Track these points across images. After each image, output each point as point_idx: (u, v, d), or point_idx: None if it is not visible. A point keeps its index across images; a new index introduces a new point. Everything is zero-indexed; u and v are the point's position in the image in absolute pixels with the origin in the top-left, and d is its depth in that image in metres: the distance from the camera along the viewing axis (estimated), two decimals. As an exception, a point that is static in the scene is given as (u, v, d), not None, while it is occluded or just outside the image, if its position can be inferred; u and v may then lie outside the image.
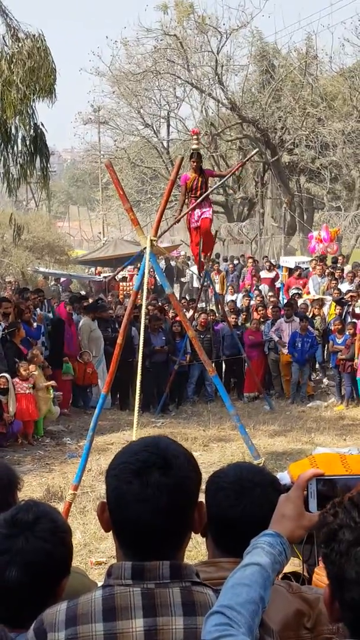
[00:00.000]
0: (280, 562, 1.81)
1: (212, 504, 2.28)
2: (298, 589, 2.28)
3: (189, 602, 1.80)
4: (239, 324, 16.29)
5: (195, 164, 11.94)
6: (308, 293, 19.42)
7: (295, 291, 19.52)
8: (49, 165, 15.01)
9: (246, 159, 16.71)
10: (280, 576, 1.96)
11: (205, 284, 15.59)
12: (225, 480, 2.30)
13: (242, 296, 20.62)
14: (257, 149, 18.73)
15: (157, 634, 1.76)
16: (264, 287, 21.94)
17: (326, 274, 20.00)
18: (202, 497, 2.05)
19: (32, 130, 14.19)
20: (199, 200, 11.77)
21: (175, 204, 29.07)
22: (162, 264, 26.35)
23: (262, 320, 16.24)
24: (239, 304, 19.29)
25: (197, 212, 12.06)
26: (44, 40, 13.35)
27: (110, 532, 1.92)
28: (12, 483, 2.74)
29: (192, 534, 1.95)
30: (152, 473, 1.83)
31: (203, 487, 2.18)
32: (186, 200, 12.26)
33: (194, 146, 12.36)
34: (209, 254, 13.47)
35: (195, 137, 12.70)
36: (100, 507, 1.94)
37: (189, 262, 28.36)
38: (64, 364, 13.93)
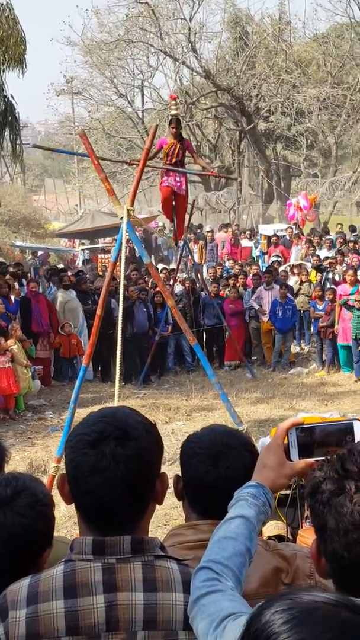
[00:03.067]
0: (265, 512, 1.82)
1: (187, 470, 2.27)
2: (275, 546, 2.30)
3: (150, 577, 1.78)
4: (226, 294, 16.07)
5: (174, 130, 11.74)
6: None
7: (274, 259, 19.48)
8: (20, 138, 14.79)
9: (225, 176, 16.38)
10: (264, 538, 1.95)
11: (184, 254, 15.47)
12: (199, 445, 2.27)
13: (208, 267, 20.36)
14: (235, 176, 18.20)
15: (118, 610, 1.75)
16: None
17: (304, 241, 19.97)
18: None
19: (1, 103, 13.95)
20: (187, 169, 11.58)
21: (152, 174, 28.94)
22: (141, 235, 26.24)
23: (239, 287, 16.11)
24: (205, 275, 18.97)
25: (170, 178, 11.89)
26: (12, 8, 13.11)
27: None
28: (1, 456, 2.72)
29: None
30: (108, 444, 1.79)
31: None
32: (159, 160, 11.96)
33: (173, 112, 12.08)
34: (185, 232, 13.33)
35: (173, 102, 12.40)
36: (60, 479, 1.92)
37: (165, 232, 28.16)
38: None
